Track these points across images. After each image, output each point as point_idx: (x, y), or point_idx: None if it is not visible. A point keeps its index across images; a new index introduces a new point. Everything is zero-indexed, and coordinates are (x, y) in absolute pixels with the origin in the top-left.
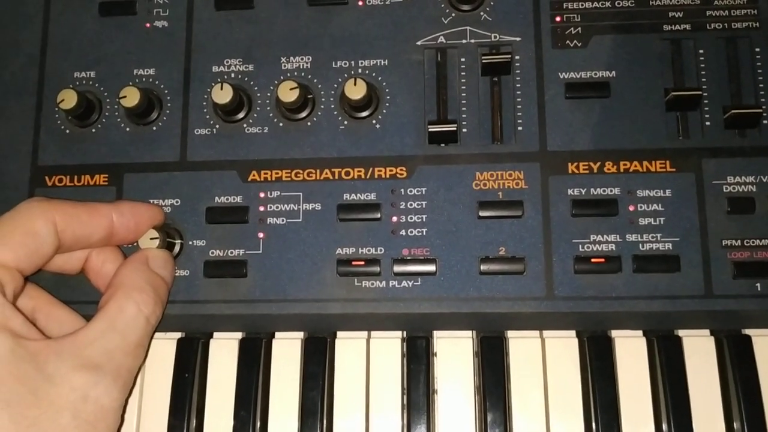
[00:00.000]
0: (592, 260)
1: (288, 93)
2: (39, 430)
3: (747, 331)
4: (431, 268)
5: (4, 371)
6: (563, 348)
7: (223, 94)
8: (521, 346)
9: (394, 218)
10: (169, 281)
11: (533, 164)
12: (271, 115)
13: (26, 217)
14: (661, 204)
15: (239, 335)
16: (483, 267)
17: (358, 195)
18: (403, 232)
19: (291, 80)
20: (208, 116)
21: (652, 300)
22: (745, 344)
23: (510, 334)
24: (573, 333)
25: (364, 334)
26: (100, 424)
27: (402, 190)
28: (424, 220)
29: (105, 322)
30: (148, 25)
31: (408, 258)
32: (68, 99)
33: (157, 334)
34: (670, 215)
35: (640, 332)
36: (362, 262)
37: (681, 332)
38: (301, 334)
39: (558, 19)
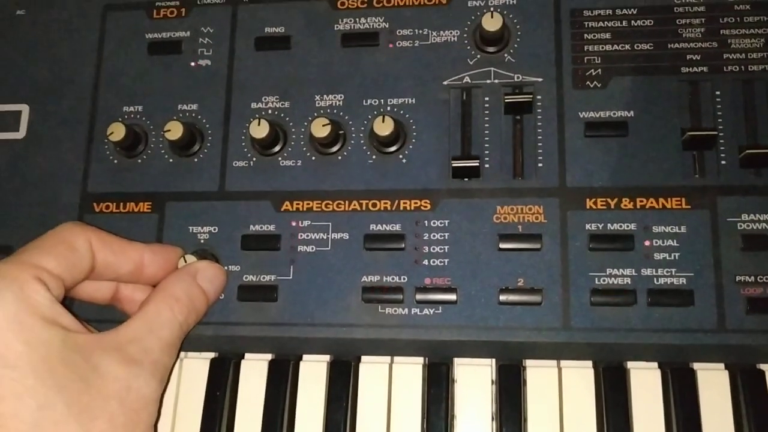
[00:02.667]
0: (608, 293)
1: (321, 129)
2: (91, 415)
3: (761, 366)
4: (452, 297)
5: (57, 360)
6: (579, 378)
7: (260, 130)
8: (538, 374)
9: (417, 248)
10: (212, 295)
11: (553, 199)
12: (304, 149)
13: (67, 233)
14: (676, 240)
15: (269, 357)
16: (502, 297)
17: (384, 226)
18: (426, 262)
19: (323, 117)
20: (246, 149)
21: (666, 333)
22: (758, 379)
23: (528, 363)
24: (589, 363)
25: (388, 359)
26: (143, 412)
27: (426, 221)
28: (446, 250)
29: (143, 322)
30: (192, 63)
31: (430, 287)
32: (117, 132)
33: (191, 354)
34: (685, 251)
35: (655, 364)
36: (386, 290)
37: (696, 365)
38: (327, 357)
39: (579, 61)
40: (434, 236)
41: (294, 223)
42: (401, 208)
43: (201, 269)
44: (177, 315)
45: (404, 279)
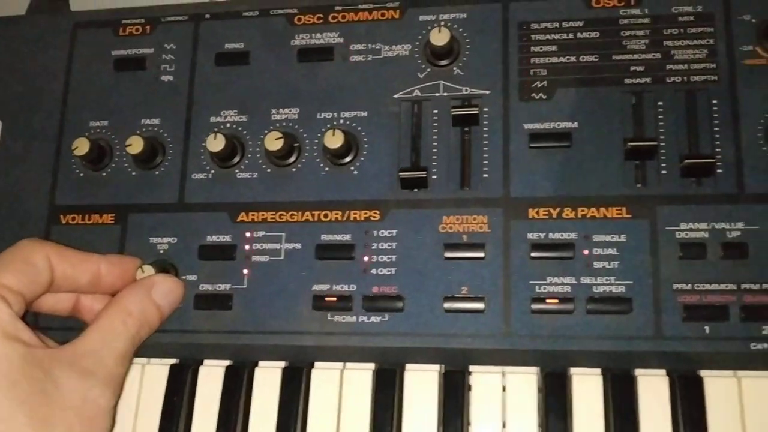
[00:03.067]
0: (548, 301)
1: (273, 143)
2: (50, 425)
3: (702, 373)
4: (398, 305)
5: (18, 374)
6: (523, 383)
7: (216, 143)
8: (483, 380)
9: (366, 258)
10: (165, 309)
11: (497, 209)
12: (260, 162)
13: (26, 250)
14: (616, 249)
15: (227, 363)
16: (446, 305)
17: (335, 236)
18: (374, 271)
19: (277, 131)
20: (204, 162)
21: (604, 340)
22: (696, 385)
23: (473, 369)
24: (534, 370)
25: (340, 365)
26: (98, 420)
27: (375, 231)
28: (393, 260)
29: (97, 335)
30: (156, 79)
31: (377, 295)
32: (81, 147)
33: (152, 360)
34: (624, 259)
35: (598, 370)
36: (335, 299)
37: (637, 371)
38: (282, 364)
39: (525, 73)
40: (382, 246)
41: (249, 234)
42: (352, 219)
43: (157, 283)
44: (130, 328)
45: (353, 288)
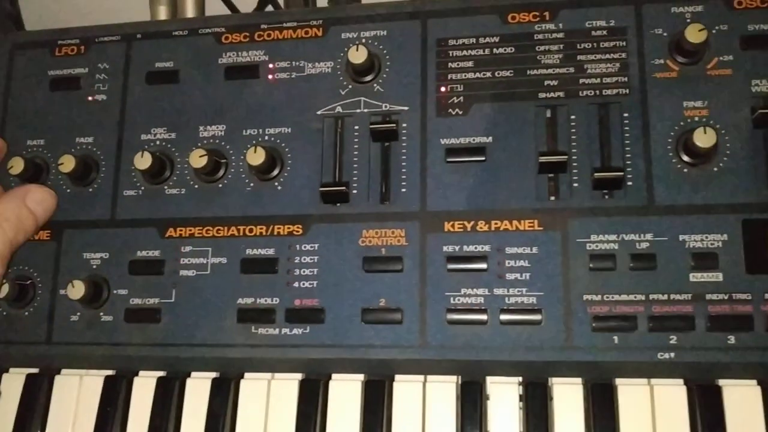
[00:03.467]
0: (462, 312)
1: (197, 160)
2: None
3: (618, 381)
4: (319, 317)
5: None
6: (442, 392)
7: (143, 161)
8: (404, 390)
9: (289, 272)
10: (40, 216)
11: (414, 223)
12: (188, 178)
13: None
14: (528, 260)
15: (160, 374)
16: (365, 317)
17: (259, 250)
18: (296, 284)
19: (202, 148)
20: (135, 179)
21: (517, 350)
22: (607, 393)
23: (397, 377)
24: (454, 379)
25: (268, 375)
26: None
27: (297, 246)
28: (315, 273)
29: None
30: (89, 98)
31: (299, 308)
32: (16, 165)
33: (87, 372)
34: (536, 271)
35: (516, 380)
36: (259, 312)
37: (554, 380)
38: (213, 375)
39: (443, 89)
40: (305, 259)
41: (177, 249)
42: (275, 233)
43: (30, 191)
44: (7, 232)
45: (276, 300)
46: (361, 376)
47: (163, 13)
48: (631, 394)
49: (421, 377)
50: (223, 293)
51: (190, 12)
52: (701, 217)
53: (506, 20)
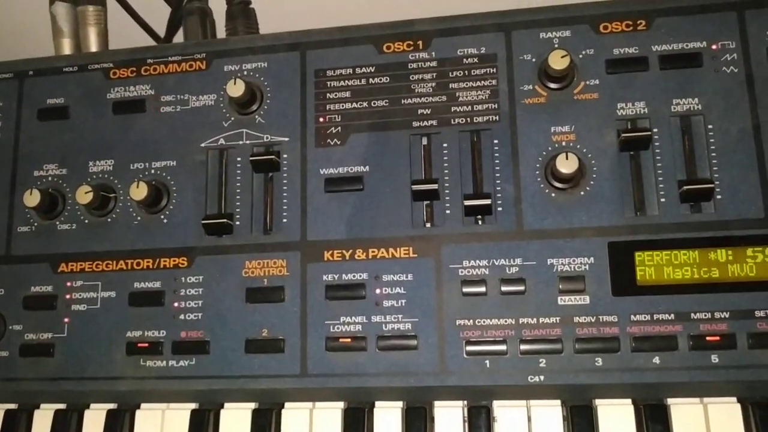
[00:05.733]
0: (341, 340)
1: (83, 196)
2: None
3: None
4: (204, 348)
5: None
6: (328, 418)
7: (32, 199)
8: (291, 416)
9: (175, 304)
10: None
11: (295, 253)
12: (79, 213)
13: None
14: (404, 287)
15: (59, 406)
16: (248, 347)
17: (146, 284)
18: (182, 317)
19: (88, 184)
20: (28, 215)
21: (395, 376)
22: (485, 415)
23: (287, 405)
24: (340, 404)
25: (163, 406)
26: None
27: (183, 278)
28: (200, 305)
29: None
30: None
31: (185, 340)
32: None
33: None
34: (411, 297)
35: (399, 403)
36: (147, 344)
37: (436, 403)
38: (109, 406)
39: (321, 119)
40: (190, 292)
41: (69, 284)
42: (161, 266)
43: None
44: None
45: (163, 333)
46: (252, 405)
47: (66, 47)
48: (508, 415)
49: (309, 404)
50: (113, 327)
51: (93, 45)
52: (568, 241)
53: (381, 50)
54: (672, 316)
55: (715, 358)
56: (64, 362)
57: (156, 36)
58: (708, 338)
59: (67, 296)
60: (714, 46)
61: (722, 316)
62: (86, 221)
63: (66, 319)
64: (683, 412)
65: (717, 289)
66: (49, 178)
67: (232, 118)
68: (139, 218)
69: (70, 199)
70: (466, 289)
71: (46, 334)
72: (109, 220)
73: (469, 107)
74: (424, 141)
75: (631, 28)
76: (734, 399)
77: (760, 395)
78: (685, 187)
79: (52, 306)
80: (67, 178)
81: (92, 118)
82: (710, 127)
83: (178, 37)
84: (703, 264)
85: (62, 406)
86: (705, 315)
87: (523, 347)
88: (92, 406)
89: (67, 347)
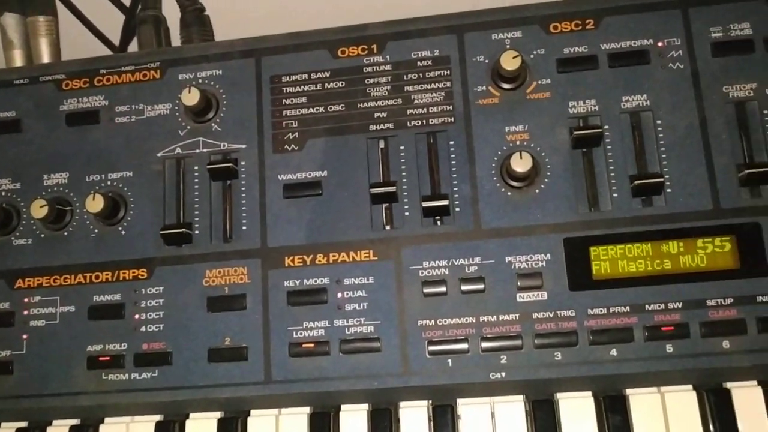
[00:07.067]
0: (304, 345)
1: (38, 210)
2: None
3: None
4: (166, 360)
5: None
6: (293, 424)
7: None
8: (258, 423)
9: (136, 316)
10: None
11: (255, 260)
12: (34, 228)
13: None
14: (365, 290)
15: (21, 424)
16: (211, 357)
17: (106, 296)
18: (143, 329)
19: (42, 198)
20: None
21: (359, 379)
22: (449, 414)
23: (252, 412)
24: (306, 410)
25: (127, 419)
26: None
27: (143, 290)
28: (161, 316)
29: None
30: None
31: (147, 352)
32: None
33: None
34: (373, 300)
35: (365, 406)
36: (108, 358)
37: (402, 404)
38: (72, 422)
39: (278, 126)
40: (150, 303)
41: (26, 300)
42: (121, 278)
43: None
44: None
45: (124, 346)
46: (217, 414)
47: (17, 58)
48: (472, 413)
49: (275, 411)
50: (73, 341)
51: (45, 56)
52: (525, 238)
53: (336, 55)
54: (627, 308)
55: (669, 348)
56: (23, 379)
57: (111, 44)
58: (662, 329)
59: (25, 312)
60: (660, 44)
61: (675, 307)
62: (42, 236)
63: (24, 336)
64: (641, 402)
65: (670, 280)
66: (2, 193)
67: (188, 127)
68: (96, 231)
69: (25, 213)
70: (426, 290)
71: (5, 352)
72: (65, 233)
73: (425, 109)
74: (381, 144)
75: (580, 28)
76: (690, 387)
77: (714, 382)
78: (637, 182)
79: (9, 323)
80: (21, 192)
81: (45, 130)
82: (659, 122)
83: (134, 45)
84: (656, 256)
85: (24, 424)
86: (659, 306)
87: (484, 345)
88: (54, 422)
89: (26, 364)
